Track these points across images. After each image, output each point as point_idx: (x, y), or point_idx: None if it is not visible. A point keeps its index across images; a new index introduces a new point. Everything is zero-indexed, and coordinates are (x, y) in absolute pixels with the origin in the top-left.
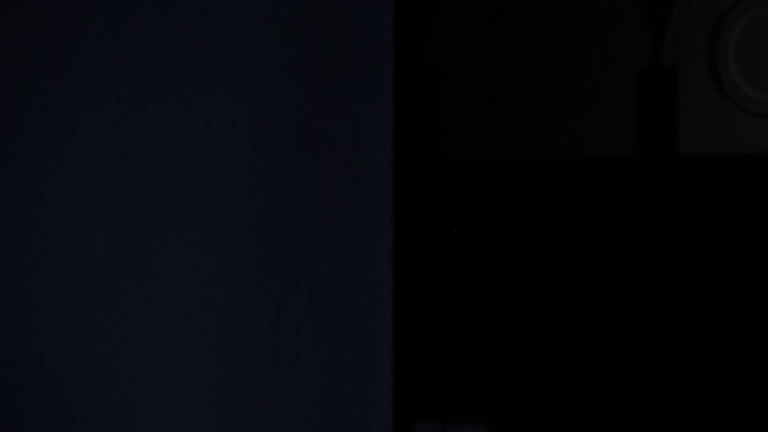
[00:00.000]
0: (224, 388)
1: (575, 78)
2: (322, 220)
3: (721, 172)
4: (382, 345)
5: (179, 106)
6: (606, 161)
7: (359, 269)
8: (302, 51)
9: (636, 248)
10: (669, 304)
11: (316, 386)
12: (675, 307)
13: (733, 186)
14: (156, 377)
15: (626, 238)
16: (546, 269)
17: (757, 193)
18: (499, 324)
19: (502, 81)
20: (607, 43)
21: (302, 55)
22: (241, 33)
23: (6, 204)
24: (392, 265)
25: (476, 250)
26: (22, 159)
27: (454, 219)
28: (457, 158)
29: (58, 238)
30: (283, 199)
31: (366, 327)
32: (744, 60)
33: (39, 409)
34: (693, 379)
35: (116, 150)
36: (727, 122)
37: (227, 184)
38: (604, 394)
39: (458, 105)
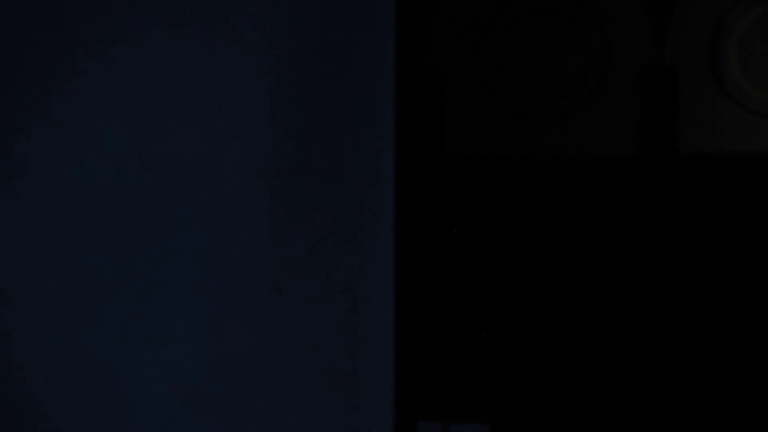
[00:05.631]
0: (223, 387)
1: (575, 78)
2: (322, 220)
3: (722, 172)
4: (383, 344)
5: (179, 106)
6: (606, 161)
7: (359, 269)
8: (302, 51)
9: (636, 246)
10: (670, 302)
11: (317, 385)
12: (676, 306)
13: (733, 185)
14: (155, 378)
15: (627, 236)
16: (547, 268)
17: (757, 193)
18: (500, 323)
19: (502, 81)
20: (608, 43)
21: (302, 55)
22: (241, 33)
23: (6, 204)
24: (393, 265)
25: (477, 249)
26: (24, 160)
27: (454, 218)
28: (457, 158)
29: (59, 239)
30: (282, 199)
31: (367, 326)
32: (745, 59)
33: (38, 408)
34: (693, 378)
35: (114, 150)
36: (728, 122)
37: (226, 184)
38: (605, 393)
39: (458, 105)
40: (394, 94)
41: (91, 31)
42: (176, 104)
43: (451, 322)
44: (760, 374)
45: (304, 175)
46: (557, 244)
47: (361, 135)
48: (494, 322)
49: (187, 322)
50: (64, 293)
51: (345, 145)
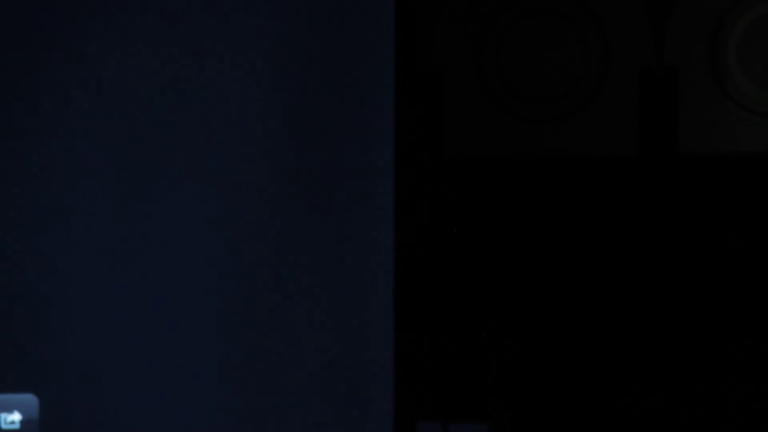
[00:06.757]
0: (224, 387)
1: (575, 78)
2: (322, 219)
3: (721, 172)
4: (383, 344)
5: (180, 107)
6: (606, 161)
7: (359, 269)
8: (303, 51)
9: (636, 247)
10: (669, 303)
11: (317, 386)
12: (675, 307)
13: (732, 185)
14: (156, 377)
15: (626, 236)
16: (546, 268)
17: (757, 193)
18: (500, 323)
19: (502, 81)
20: (608, 42)
21: (303, 55)
22: (242, 33)
23: (8, 205)
24: (393, 265)
25: (476, 250)
26: (27, 161)
27: (454, 218)
28: (457, 158)
29: (60, 240)
30: (283, 199)
31: (367, 326)
32: (745, 59)
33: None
34: (692, 377)
35: (116, 149)
36: (728, 122)
37: (227, 185)
38: (604, 393)
39: (458, 105)
40: (394, 94)
41: (91, 32)
42: (177, 105)
43: (451, 321)
44: (760, 375)
45: (304, 175)
46: (557, 244)
47: (361, 135)
48: (494, 322)
49: (187, 323)
50: (64, 293)
51: (345, 145)
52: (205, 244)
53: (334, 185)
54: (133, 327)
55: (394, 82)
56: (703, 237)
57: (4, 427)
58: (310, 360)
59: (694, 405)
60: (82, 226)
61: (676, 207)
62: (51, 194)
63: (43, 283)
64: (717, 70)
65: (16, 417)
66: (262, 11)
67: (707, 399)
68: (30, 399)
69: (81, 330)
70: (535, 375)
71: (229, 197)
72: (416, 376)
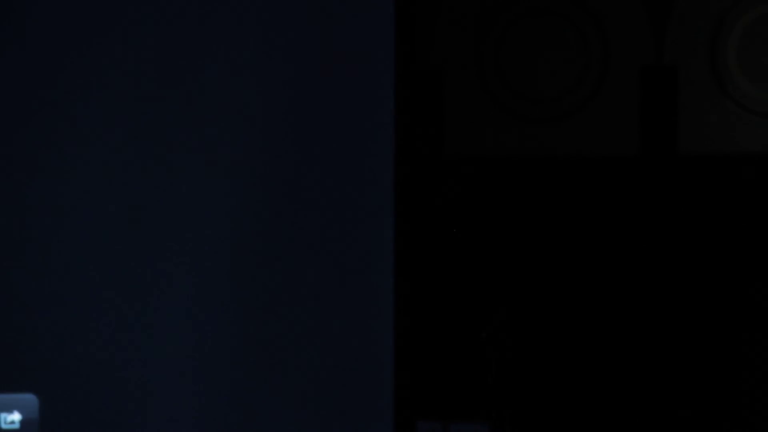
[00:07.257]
0: (224, 387)
1: (575, 78)
2: (322, 220)
3: (721, 172)
4: (383, 344)
5: (181, 107)
6: (606, 160)
7: (359, 269)
8: (303, 51)
9: (636, 246)
10: (668, 302)
11: (317, 385)
12: (674, 306)
13: (732, 185)
14: (156, 378)
15: (626, 236)
16: (547, 268)
17: (756, 193)
18: (500, 323)
19: (502, 81)
20: (608, 42)
21: (303, 55)
22: (242, 33)
23: (8, 205)
24: (392, 265)
25: (476, 250)
26: (27, 165)
27: (454, 218)
28: (457, 158)
29: (60, 240)
30: (283, 199)
31: (366, 326)
32: (744, 59)
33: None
34: (692, 378)
35: (116, 150)
36: (728, 122)
37: (227, 184)
38: (604, 393)
39: (458, 105)
40: (394, 94)
41: (92, 32)
42: (177, 105)
43: (451, 322)
44: (758, 373)
45: (305, 175)
46: (557, 244)
47: (361, 135)
48: (494, 322)
49: (187, 322)
50: (64, 294)
51: (345, 144)
52: (204, 244)
53: (334, 185)
54: (133, 327)
55: (394, 82)
56: (703, 237)
57: (4, 427)
58: (310, 360)
59: (693, 405)
60: (82, 227)
61: (676, 207)
62: (51, 194)
63: (43, 283)
64: (717, 70)
65: (16, 417)
66: (261, 11)
67: (707, 399)
68: (30, 399)
69: (81, 330)
70: (535, 375)
71: (228, 197)
72: (416, 376)
